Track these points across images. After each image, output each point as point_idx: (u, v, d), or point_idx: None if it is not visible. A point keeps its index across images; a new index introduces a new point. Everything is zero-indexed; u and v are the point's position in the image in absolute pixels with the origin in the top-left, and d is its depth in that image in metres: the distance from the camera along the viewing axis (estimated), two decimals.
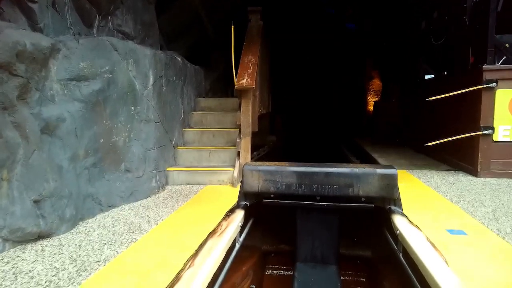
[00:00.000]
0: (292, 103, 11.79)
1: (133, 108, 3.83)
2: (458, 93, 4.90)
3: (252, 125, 4.76)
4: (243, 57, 4.84)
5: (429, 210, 3.41)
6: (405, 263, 1.44)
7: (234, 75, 4.54)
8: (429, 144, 4.97)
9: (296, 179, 1.71)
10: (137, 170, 3.89)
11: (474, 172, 4.84)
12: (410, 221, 1.57)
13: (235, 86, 4.41)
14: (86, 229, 2.96)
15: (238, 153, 4.64)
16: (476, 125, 4.78)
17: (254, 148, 6.13)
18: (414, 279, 1.34)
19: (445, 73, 6.70)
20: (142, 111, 3.97)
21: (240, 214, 1.67)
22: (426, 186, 4.30)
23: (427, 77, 7.39)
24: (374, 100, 11.29)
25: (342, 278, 1.84)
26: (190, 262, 1.24)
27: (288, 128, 11.26)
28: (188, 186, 4.47)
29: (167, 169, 4.56)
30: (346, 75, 12.28)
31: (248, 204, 1.78)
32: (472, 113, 4.90)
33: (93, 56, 3.26)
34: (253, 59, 4.81)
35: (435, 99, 4.93)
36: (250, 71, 4.59)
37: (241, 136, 4.58)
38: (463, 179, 4.64)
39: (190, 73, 5.64)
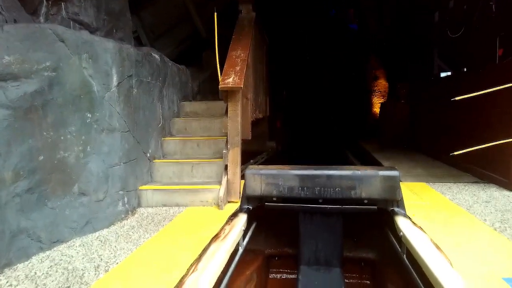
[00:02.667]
0: (292, 106, 11.12)
1: (89, 115, 3.06)
2: (485, 92, 4.12)
3: (243, 133, 3.98)
4: (231, 52, 4.06)
5: (468, 243, 2.60)
6: (409, 264, 1.50)
7: (219, 73, 3.77)
8: (457, 153, 4.16)
9: (299, 182, 1.71)
10: (95, 192, 3.11)
11: (509, 186, 4.02)
12: (413, 223, 1.62)
13: (220, 86, 3.62)
14: (7, 282, 2.17)
15: (226, 167, 3.85)
16: (509, 129, 3.99)
17: (251, 155, 5.36)
18: (419, 280, 1.39)
19: (465, 69, 5.91)
20: (103, 118, 3.19)
21: (243, 218, 1.75)
22: (456, 205, 3.50)
23: (443, 74, 6.60)
24: (380, 101, 10.50)
25: (346, 280, 1.81)
26: (193, 267, 1.36)
27: (288, 133, 10.56)
28: (164, 208, 3.68)
29: (140, 188, 3.77)
30: (350, 75, 11.57)
31: (251, 208, 1.84)
32: (503, 115, 4.11)
33: (25, 48, 2.50)
34: (242, 55, 4.03)
35: (462, 98, 4.13)
36: (238, 68, 3.82)
37: (228, 146, 3.80)
38: (498, 195, 3.83)
39: (171, 73, 4.88)
